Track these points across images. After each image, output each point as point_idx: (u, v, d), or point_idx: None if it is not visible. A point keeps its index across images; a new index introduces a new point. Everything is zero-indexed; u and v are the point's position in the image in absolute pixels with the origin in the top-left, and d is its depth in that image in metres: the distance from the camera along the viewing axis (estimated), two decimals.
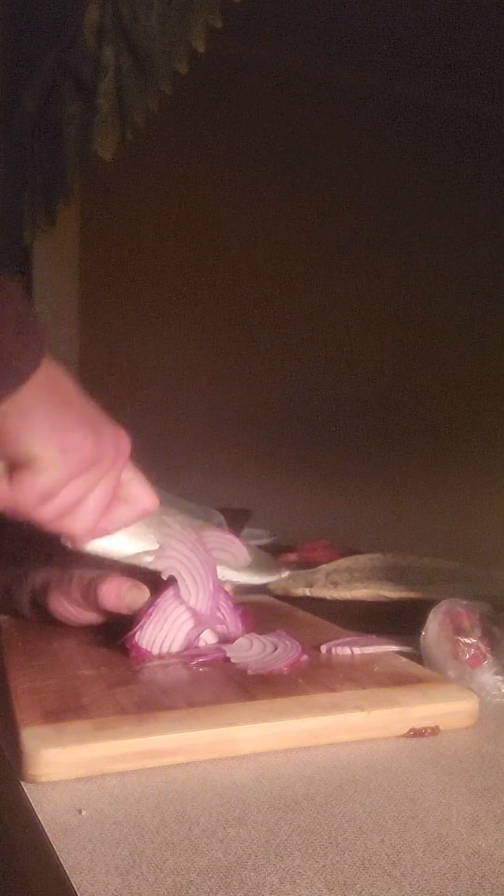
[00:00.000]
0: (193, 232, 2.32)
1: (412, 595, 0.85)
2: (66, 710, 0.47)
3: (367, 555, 1.03)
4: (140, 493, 0.57)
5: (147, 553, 0.60)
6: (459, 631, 0.57)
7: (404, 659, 0.59)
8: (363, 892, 0.32)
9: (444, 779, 0.43)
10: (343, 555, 1.06)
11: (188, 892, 0.32)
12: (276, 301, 2.44)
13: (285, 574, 0.65)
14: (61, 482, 0.50)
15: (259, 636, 0.60)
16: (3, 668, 0.57)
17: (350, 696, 0.50)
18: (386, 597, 0.88)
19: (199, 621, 0.58)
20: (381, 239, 2.56)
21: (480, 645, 0.56)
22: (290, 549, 1.24)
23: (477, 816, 0.39)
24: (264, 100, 2.36)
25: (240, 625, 0.61)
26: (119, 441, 0.55)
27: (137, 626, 0.57)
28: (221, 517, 1.14)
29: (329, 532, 1.36)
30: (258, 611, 0.71)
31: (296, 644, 0.58)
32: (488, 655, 0.56)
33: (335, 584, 0.92)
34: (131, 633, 0.57)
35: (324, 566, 1.00)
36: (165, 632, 0.58)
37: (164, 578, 0.60)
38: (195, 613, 0.58)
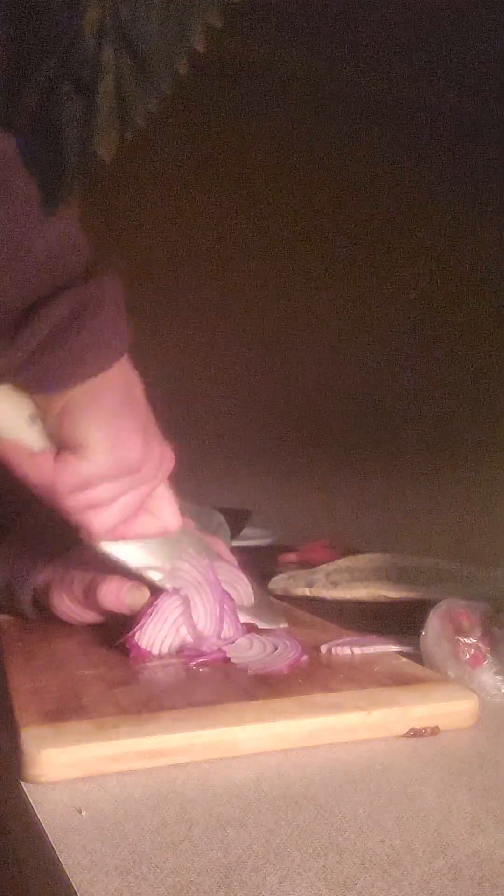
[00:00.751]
0: (193, 232, 2.32)
1: (412, 595, 0.85)
2: (65, 710, 0.47)
3: (367, 555, 1.03)
4: (166, 511, 0.59)
5: (155, 569, 0.60)
6: (459, 631, 0.57)
7: (404, 659, 0.59)
8: (363, 892, 0.32)
9: (444, 779, 0.43)
10: (343, 555, 1.06)
11: (188, 892, 0.32)
12: (277, 301, 2.44)
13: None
14: (102, 476, 0.52)
15: (259, 636, 0.60)
16: (3, 668, 0.57)
17: (350, 696, 0.50)
18: (386, 597, 0.88)
19: (200, 641, 0.58)
20: (381, 238, 2.56)
21: (480, 645, 0.56)
22: (290, 549, 1.24)
23: (477, 816, 0.39)
24: (264, 100, 2.35)
25: (240, 625, 0.61)
26: (164, 458, 0.57)
27: (137, 627, 0.58)
28: (221, 517, 1.14)
29: (329, 532, 1.36)
30: None
31: (296, 644, 0.58)
32: (488, 655, 0.56)
33: (335, 584, 0.92)
34: (131, 633, 0.57)
35: (324, 566, 1.00)
36: (165, 632, 0.58)
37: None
38: (197, 634, 0.59)
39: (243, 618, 0.62)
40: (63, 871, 0.34)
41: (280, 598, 0.88)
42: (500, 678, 0.55)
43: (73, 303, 0.49)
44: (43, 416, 0.52)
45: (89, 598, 0.62)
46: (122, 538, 0.57)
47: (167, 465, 0.57)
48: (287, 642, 0.58)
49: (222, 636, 0.59)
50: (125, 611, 0.60)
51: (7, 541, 0.70)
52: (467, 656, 0.56)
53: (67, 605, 0.64)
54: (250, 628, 0.62)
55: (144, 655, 0.57)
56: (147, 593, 0.60)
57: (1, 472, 0.53)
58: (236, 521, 1.44)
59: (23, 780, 0.42)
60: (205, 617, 0.60)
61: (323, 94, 2.42)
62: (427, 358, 2.63)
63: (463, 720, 0.50)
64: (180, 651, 0.58)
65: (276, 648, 0.58)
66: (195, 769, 0.44)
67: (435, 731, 0.49)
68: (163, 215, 2.28)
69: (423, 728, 0.49)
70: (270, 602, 0.71)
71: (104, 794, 0.41)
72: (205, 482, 2.10)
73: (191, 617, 0.59)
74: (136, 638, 0.57)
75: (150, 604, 0.59)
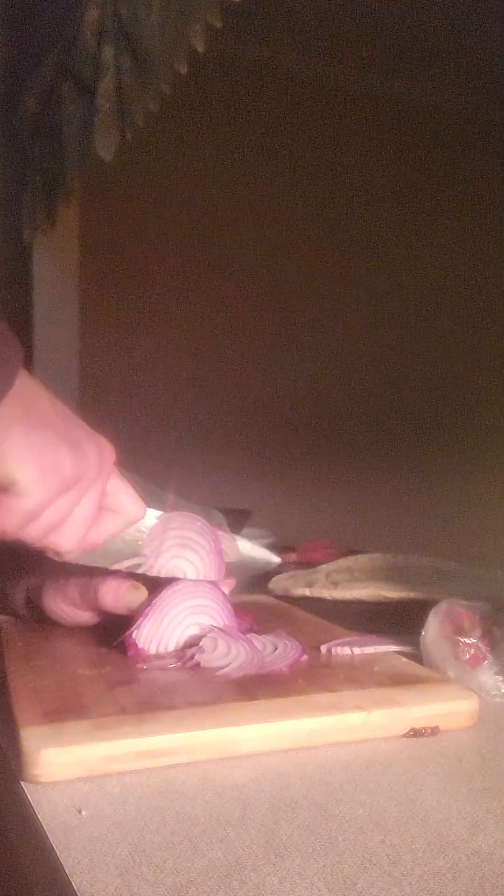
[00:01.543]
0: (193, 232, 2.32)
1: (412, 595, 0.85)
2: (66, 709, 0.47)
3: (367, 555, 1.03)
4: (126, 502, 0.57)
5: (138, 561, 0.60)
6: (459, 631, 0.57)
7: (404, 659, 0.59)
8: (363, 892, 0.32)
9: (444, 779, 0.43)
10: (343, 555, 1.06)
11: (188, 892, 0.32)
12: (276, 301, 2.44)
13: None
14: (43, 503, 0.49)
15: (259, 636, 0.60)
16: (3, 668, 0.57)
17: (350, 696, 0.50)
18: (386, 597, 0.88)
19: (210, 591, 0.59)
20: (380, 239, 2.56)
21: (480, 645, 0.56)
22: (290, 549, 1.24)
23: (477, 816, 0.39)
24: (264, 100, 2.36)
25: (237, 623, 0.61)
26: (102, 453, 0.53)
27: (135, 626, 0.58)
28: (221, 517, 1.14)
29: (329, 532, 1.36)
30: (258, 611, 0.71)
31: (296, 644, 0.58)
32: (488, 655, 0.56)
33: (335, 584, 0.92)
34: (129, 632, 0.57)
35: (324, 566, 1.00)
36: (162, 631, 0.58)
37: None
38: (205, 586, 0.60)
39: (246, 549, 0.64)
40: (63, 871, 0.34)
41: (280, 598, 0.88)
42: (500, 678, 0.55)
43: None
44: None
45: (86, 598, 0.61)
46: (93, 545, 0.56)
47: (108, 458, 0.54)
48: (287, 642, 0.58)
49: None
50: (123, 611, 0.60)
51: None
52: (467, 656, 0.56)
53: (60, 606, 0.64)
54: (244, 619, 0.63)
55: (142, 654, 0.57)
56: (145, 593, 0.60)
57: None
58: (236, 520, 1.44)
59: (23, 780, 0.42)
60: (206, 561, 0.61)
61: (323, 94, 2.42)
62: (427, 360, 2.63)
63: (463, 720, 0.50)
64: (182, 652, 0.58)
65: (275, 648, 0.58)
66: (195, 769, 0.44)
67: (435, 731, 0.49)
68: (163, 215, 2.28)
69: (423, 728, 0.49)
70: (259, 547, 0.72)
71: (104, 794, 0.41)
72: (205, 482, 2.10)
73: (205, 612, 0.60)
74: (133, 637, 0.57)
75: (148, 603, 0.59)
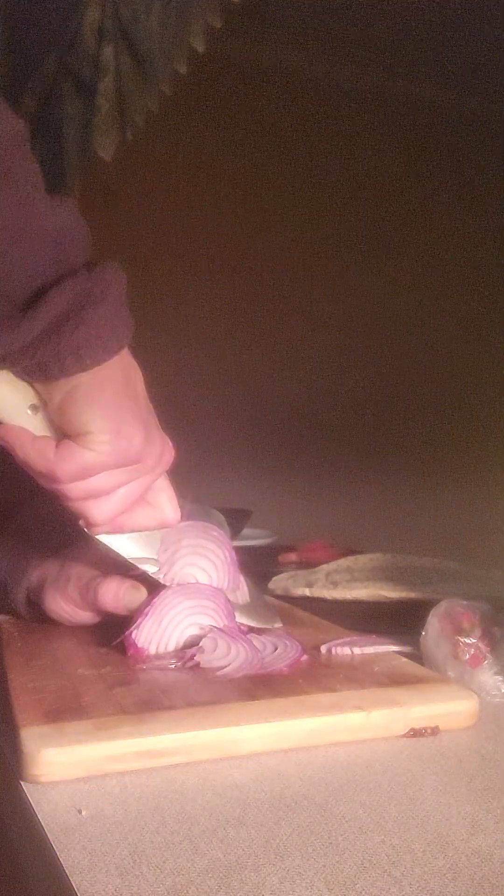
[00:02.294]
0: (194, 231, 2.32)
1: (412, 595, 0.85)
2: (66, 710, 0.47)
3: (367, 555, 1.03)
4: (166, 504, 0.59)
5: (151, 561, 0.60)
6: (459, 631, 0.57)
7: (404, 659, 0.59)
8: (363, 892, 0.32)
9: (444, 779, 0.43)
10: (343, 555, 1.06)
11: (188, 892, 0.32)
12: (276, 301, 2.44)
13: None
14: (104, 465, 0.52)
15: (258, 636, 0.60)
16: (3, 668, 0.57)
17: (350, 696, 0.50)
18: (386, 597, 0.88)
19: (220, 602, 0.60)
20: (381, 239, 2.56)
21: (480, 645, 0.56)
22: (290, 549, 1.24)
23: (477, 816, 0.39)
24: (264, 100, 2.36)
25: (234, 623, 0.61)
26: (165, 450, 0.57)
27: (134, 625, 0.58)
28: (221, 517, 1.14)
29: (329, 532, 1.36)
30: None
31: (296, 644, 0.58)
32: (488, 655, 0.56)
33: (335, 584, 0.92)
34: (128, 632, 0.58)
35: (324, 566, 1.00)
36: (162, 631, 0.58)
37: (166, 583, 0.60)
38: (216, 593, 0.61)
39: (239, 618, 0.62)
40: (63, 871, 0.34)
41: (280, 598, 0.88)
42: (500, 678, 0.55)
43: (76, 293, 0.49)
44: (45, 403, 0.52)
45: (86, 597, 0.62)
46: (121, 530, 0.57)
47: (167, 458, 0.57)
48: (287, 642, 0.58)
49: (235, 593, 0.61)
50: (123, 611, 0.60)
51: (2, 538, 0.69)
52: (467, 656, 0.56)
53: (60, 605, 0.64)
54: (249, 629, 0.63)
55: (142, 654, 0.57)
56: (144, 593, 0.60)
57: None
58: (236, 521, 1.44)
59: (23, 780, 0.42)
60: (221, 571, 0.61)
61: (323, 94, 2.42)
62: (427, 360, 2.63)
63: (463, 720, 0.50)
64: (182, 652, 0.58)
65: (276, 648, 0.58)
66: (195, 769, 0.44)
67: (435, 731, 0.49)
68: (163, 215, 2.28)
69: (423, 728, 0.49)
70: (266, 602, 0.71)
71: (104, 794, 0.41)
72: (205, 482, 2.10)
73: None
74: (133, 637, 0.57)
75: (148, 602, 0.59)
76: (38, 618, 0.67)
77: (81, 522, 0.56)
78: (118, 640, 0.58)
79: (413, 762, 0.45)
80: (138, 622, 0.58)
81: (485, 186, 2.62)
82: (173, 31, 1.11)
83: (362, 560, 1.01)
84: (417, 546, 1.23)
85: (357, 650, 0.60)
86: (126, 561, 0.60)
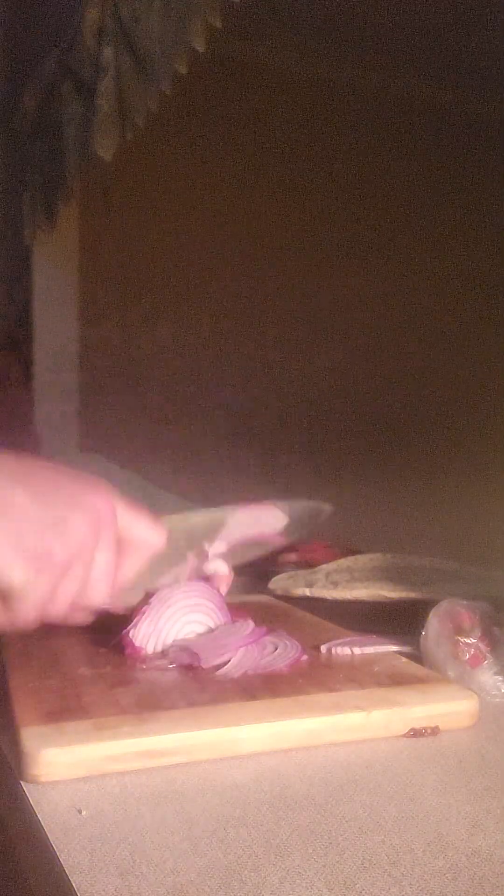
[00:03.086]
0: (193, 232, 2.32)
1: (412, 595, 0.85)
2: (66, 709, 0.47)
3: (367, 555, 1.03)
4: (144, 534, 0.55)
5: (168, 576, 0.61)
6: (459, 631, 0.57)
7: (404, 659, 0.59)
8: (363, 892, 0.32)
9: (444, 779, 0.43)
10: (343, 555, 1.06)
11: (188, 892, 0.32)
12: (277, 301, 2.44)
13: (285, 573, 0.66)
14: (48, 594, 0.48)
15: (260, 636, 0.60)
16: (3, 668, 0.57)
17: (350, 696, 0.50)
18: (386, 597, 0.87)
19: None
20: (381, 239, 2.56)
21: (480, 645, 0.56)
22: (290, 549, 1.24)
23: (477, 816, 0.39)
24: (264, 100, 2.35)
25: (230, 621, 0.62)
26: (98, 504, 0.51)
27: (132, 625, 0.58)
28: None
29: (329, 532, 1.36)
30: (258, 611, 0.71)
31: (296, 644, 0.58)
32: (488, 655, 0.56)
33: (335, 584, 0.92)
34: (126, 630, 0.58)
35: (324, 566, 1.00)
36: (159, 630, 0.58)
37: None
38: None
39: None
40: (63, 871, 0.34)
41: (280, 598, 0.88)
42: (500, 678, 0.55)
43: None
44: None
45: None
46: (126, 587, 0.55)
47: (105, 511, 0.51)
48: (287, 642, 0.58)
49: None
50: (121, 610, 0.60)
51: None
52: (467, 656, 0.56)
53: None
54: (239, 617, 0.64)
55: (139, 652, 0.57)
56: (142, 591, 0.60)
57: None
58: None
59: (23, 780, 0.42)
60: (216, 617, 0.61)
61: (323, 94, 2.42)
62: (427, 361, 2.63)
63: (463, 720, 0.50)
64: (182, 653, 0.58)
65: (276, 648, 0.58)
66: (195, 769, 0.44)
67: (435, 731, 0.49)
68: (163, 215, 2.28)
69: (423, 728, 0.49)
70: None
71: (104, 794, 0.41)
72: (205, 482, 2.10)
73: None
74: (130, 635, 0.58)
75: (145, 602, 0.59)
76: None
77: (96, 614, 0.55)
78: (116, 640, 0.58)
79: (413, 762, 0.45)
80: (136, 621, 0.58)
81: (486, 186, 2.62)
82: (173, 31, 1.11)
83: (362, 560, 1.01)
84: (417, 546, 1.23)
85: (357, 650, 0.60)
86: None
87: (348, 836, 0.37)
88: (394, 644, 0.61)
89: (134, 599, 0.60)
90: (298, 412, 2.45)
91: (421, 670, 0.56)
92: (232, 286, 2.38)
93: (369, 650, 0.60)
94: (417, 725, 0.49)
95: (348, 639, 0.62)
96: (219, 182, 2.32)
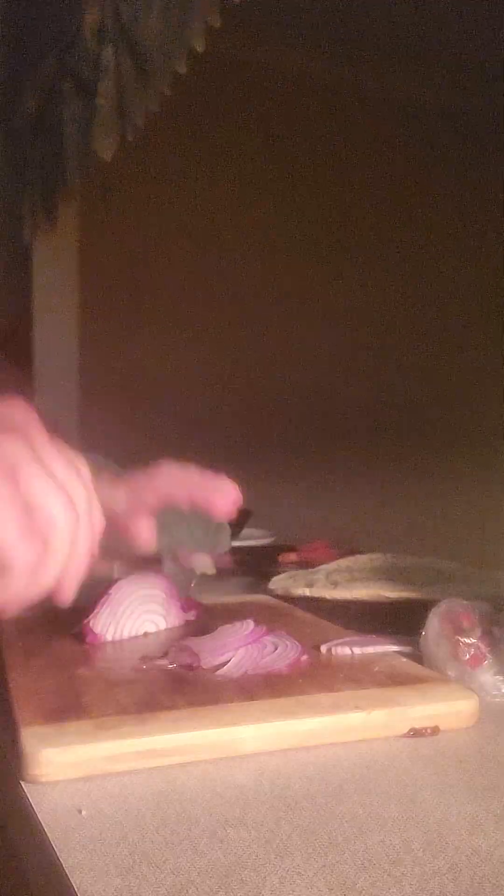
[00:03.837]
0: (193, 232, 2.32)
1: (412, 595, 0.85)
2: (66, 709, 0.47)
3: (367, 555, 1.03)
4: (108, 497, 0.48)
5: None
6: (459, 631, 0.57)
7: (404, 659, 0.59)
8: (363, 892, 0.32)
9: (444, 779, 0.43)
10: (343, 555, 1.06)
11: (188, 892, 0.32)
12: (276, 301, 2.44)
13: (285, 573, 0.68)
14: (28, 567, 0.41)
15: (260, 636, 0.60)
16: (3, 668, 0.57)
17: (350, 696, 0.50)
18: (386, 597, 0.87)
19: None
20: (380, 239, 2.56)
21: (480, 645, 0.56)
22: (290, 549, 1.24)
23: (477, 816, 0.39)
24: (264, 100, 2.35)
25: (181, 613, 0.67)
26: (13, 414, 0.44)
27: (92, 614, 0.61)
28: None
29: (329, 532, 1.36)
30: (258, 611, 0.71)
31: (296, 644, 0.58)
32: (488, 655, 0.56)
33: (335, 584, 0.92)
34: (86, 620, 0.61)
35: (324, 566, 1.00)
36: (118, 619, 0.62)
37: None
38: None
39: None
40: (63, 871, 0.34)
41: (280, 598, 0.88)
42: (500, 678, 0.55)
43: None
44: None
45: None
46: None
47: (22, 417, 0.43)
48: (287, 642, 0.58)
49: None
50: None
51: None
52: (467, 656, 0.56)
53: None
54: (189, 608, 0.68)
55: (98, 640, 0.61)
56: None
57: None
58: (236, 521, 1.44)
59: (23, 780, 0.42)
60: (168, 607, 0.66)
61: (323, 94, 2.42)
62: (427, 360, 2.63)
63: (463, 720, 0.50)
64: (183, 654, 0.58)
65: (276, 648, 0.58)
66: (195, 769, 0.44)
67: (435, 731, 0.49)
68: (162, 215, 2.28)
69: (423, 728, 0.49)
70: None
71: (104, 794, 0.41)
72: None
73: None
74: (91, 624, 0.61)
75: (105, 592, 0.62)
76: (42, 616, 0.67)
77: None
78: (77, 629, 0.61)
79: (413, 762, 0.45)
80: (96, 611, 0.61)
81: (485, 186, 2.62)
82: (173, 31, 1.11)
83: (362, 560, 1.01)
84: (417, 546, 1.23)
85: (357, 650, 0.60)
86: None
87: (348, 836, 0.37)
88: (394, 644, 0.61)
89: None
90: (299, 412, 2.46)
91: (421, 670, 0.56)
92: (232, 285, 2.38)
93: (369, 650, 0.60)
94: (417, 725, 0.49)
95: (348, 639, 0.62)
96: (218, 181, 2.32)
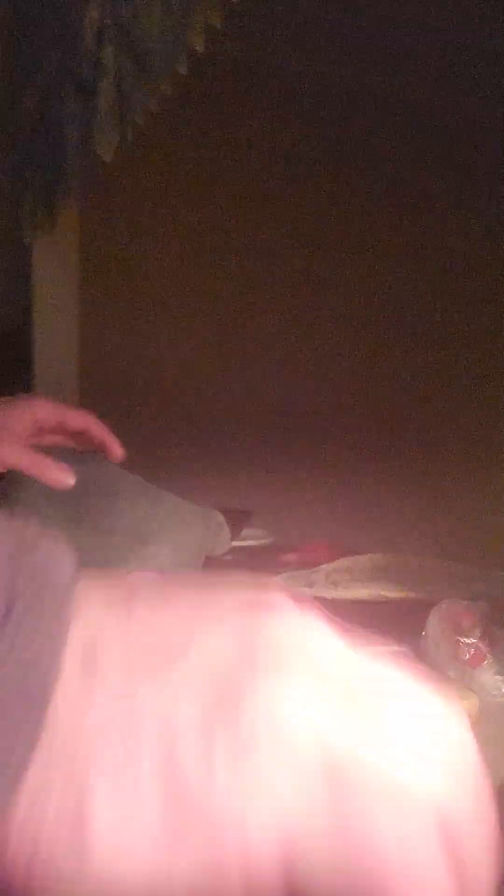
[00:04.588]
0: (193, 232, 2.32)
1: (412, 595, 0.85)
2: None
3: (367, 555, 1.03)
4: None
5: None
6: (459, 631, 0.57)
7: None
8: None
9: None
10: (343, 555, 1.06)
11: None
12: (277, 301, 2.44)
13: (285, 573, 0.66)
14: None
15: None
16: None
17: None
18: (386, 597, 0.87)
19: None
20: (380, 239, 2.56)
21: (480, 645, 0.56)
22: (290, 549, 1.24)
23: None
24: (264, 100, 2.35)
25: None
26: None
27: None
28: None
29: (329, 532, 1.36)
30: None
31: None
32: (488, 655, 0.56)
33: (335, 584, 0.92)
34: None
35: (324, 566, 1.00)
36: None
37: None
38: None
39: None
40: None
41: None
42: (500, 678, 0.55)
43: None
44: None
45: None
46: None
47: None
48: None
49: None
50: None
51: None
52: (467, 656, 0.56)
53: None
54: None
55: None
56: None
57: None
58: (236, 521, 1.44)
59: None
60: None
61: (323, 94, 2.42)
62: (427, 358, 2.63)
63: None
64: None
65: None
66: None
67: None
68: (163, 214, 2.28)
69: None
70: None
71: None
72: (205, 482, 2.10)
73: None
74: None
75: None
76: None
77: None
78: None
79: None
80: None
81: (485, 186, 2.62)
82: (173, 31, 1.11)
83: (362, 560, 1.01)
84: (417, 546, 1.23)
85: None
86: None
87: None
88: (394, 644, 0.61)
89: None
90: (299, 411, 2.46)
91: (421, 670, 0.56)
92: (231, 284, 2.38)
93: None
94: None
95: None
96: (218, 181, 2.32)
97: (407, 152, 2.57)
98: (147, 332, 2.27)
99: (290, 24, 2.18)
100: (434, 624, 0.58)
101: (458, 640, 0.56)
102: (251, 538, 1.41)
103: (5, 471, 0.70)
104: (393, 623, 0.68)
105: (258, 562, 1.15)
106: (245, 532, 1.43)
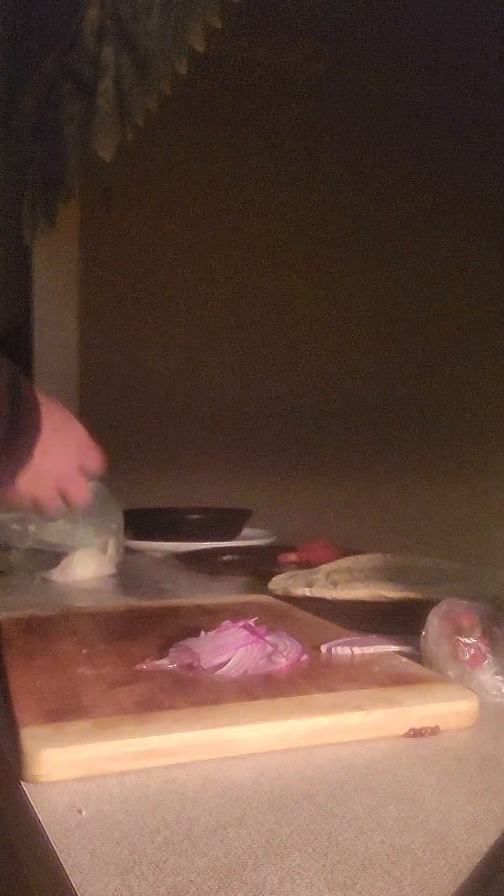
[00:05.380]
0: (193, 232, 2.32)
1: (412, 595, 0.85)
2: (66, 709, 0.47)
3: (367, 555, 1.03)
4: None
5: None
6: (459, 631, 0.57)
7: (404, 659, 0.59)
8: (363, 892, 0.32)
9: (444, 779, 0.43)
10: (343, 555, 1.06)
11: (188, 892, 0.32)
12: (277, 301, 2.44)
13: (285, 573, 0.66)
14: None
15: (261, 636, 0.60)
16: (3, 668, 0.57)
17: (350, 696, 0.50)
18: (386, 597, 0.87)
19: None
20: (381, 239, 2.56)
21: (480, 645, 0.56)
22: (290, 549, 1.24)
23: (477, 816, 0.39)
24: (264, 100, 2.35)
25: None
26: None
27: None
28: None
29: (329, 532, 1.36)
30: (258, 611, 0.71)
31: (296, 644, 0.58)
32: (488, 655, 0.56)
33: (335, 584, 0.92)
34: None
35: (324, 566, 1.00)
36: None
37: None
38: None
39: None
40: (63, 871, 0.34)
41: (280, 598, 0.88)
42: (500, 678, 0.55)
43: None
44: None
45: None
46: None
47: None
48: (287, 642, 0.58)
49: None
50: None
51: None
52: (467, 656, 0.56)
53: None
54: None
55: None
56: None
57: None
58: (236, 521, 1.44)
59: (23, 780, 0.42)
60: None
61: (323, 94, 2.42)
62: (427, 360, 2.63)
63: (463, 720, 0.50)
64: (182, 654, 0.58)
65: (276, 648, 0.58)
66: (195, 769, 0.44)
67: (435, 731, 0.49)
68: (163, 215, 2.28)
69: (423, 728, 0.49)
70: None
71: (104, 794, 0.41)
72: (205, 482, 2.10)
73: None
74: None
75: None
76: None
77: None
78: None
79: (413, 762, 0.45)
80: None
81: (485, 186, 2.62)
82: (173, 31, 1.11)
83: (362, 560, 1.01)
84: (417, 546, 1.23)
85: (357, 650, 0.60)
86: None
87: (348, 836, 0.37)
88: (394, 644, 0.61)
89: None
90: (299, 412, 2.45)
91: (421, 670, 0.56)
92: (231, 285, 2.38)
93: (369, 650, 0.60)
94: (417, 725, 0.49)
95: (348, 639, 0.62)
96: (219, 182, 2.32)
97: (407, 151, 2.57)
98: (147, 332, 2.27)
99: (291, 25, 2.18)
100: (434, 624, 0.58)
101: (458, 640, 0.56)
102: (251, 538, 1.41)
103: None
104: (393, 623, 0.68)
105: (258, 562, 1.15)
106: (245, 532, 1.43)
